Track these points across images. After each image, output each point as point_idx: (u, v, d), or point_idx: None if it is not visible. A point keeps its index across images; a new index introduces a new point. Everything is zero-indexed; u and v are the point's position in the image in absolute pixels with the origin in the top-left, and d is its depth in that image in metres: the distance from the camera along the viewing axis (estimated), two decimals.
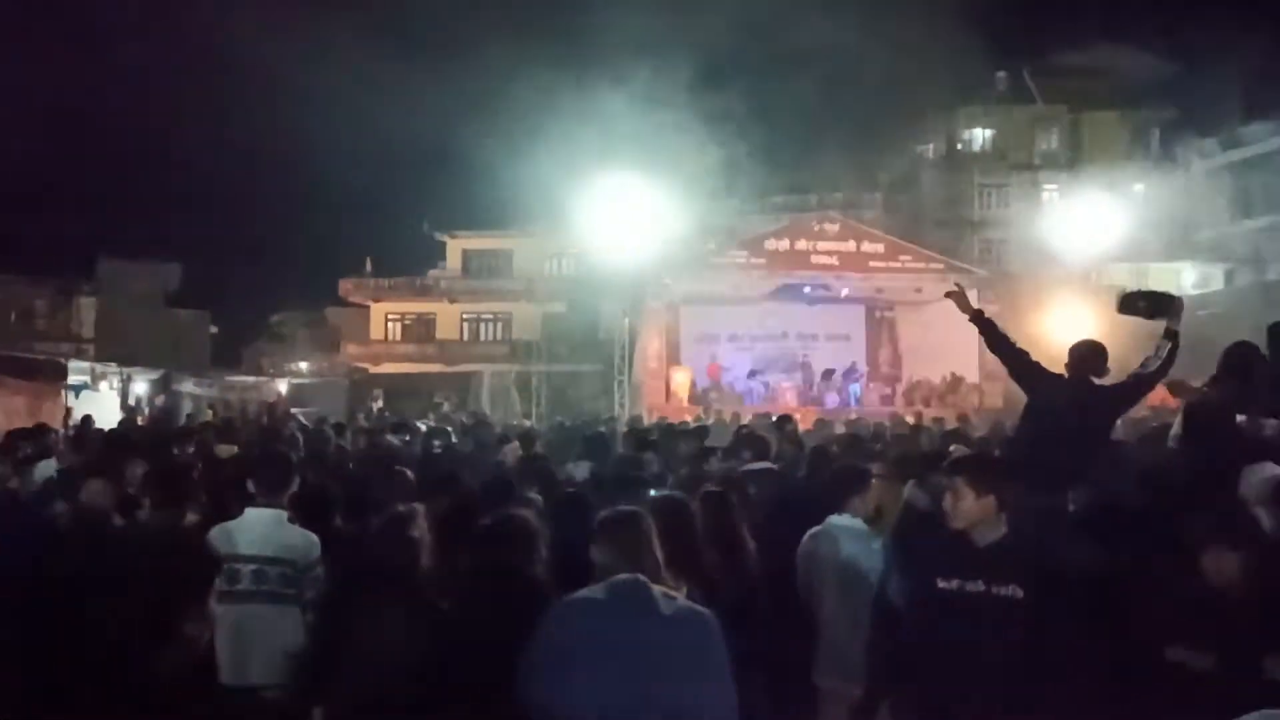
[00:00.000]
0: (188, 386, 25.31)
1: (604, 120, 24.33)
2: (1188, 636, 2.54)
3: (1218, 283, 32.66)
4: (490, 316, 36.39)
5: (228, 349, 39.11)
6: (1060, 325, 14.63)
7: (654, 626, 0.83)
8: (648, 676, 0.78)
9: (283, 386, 31.47)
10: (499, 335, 35.83)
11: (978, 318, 5.33)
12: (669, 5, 24.78)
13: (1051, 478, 4.14)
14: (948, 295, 5.65)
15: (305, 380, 34.52)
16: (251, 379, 32.09)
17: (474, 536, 2.78)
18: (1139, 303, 5.16)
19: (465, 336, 36.22)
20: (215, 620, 3.51)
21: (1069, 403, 4.81)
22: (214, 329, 39.14)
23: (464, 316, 36.47)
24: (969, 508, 2.99)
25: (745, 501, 5.06)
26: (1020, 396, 5.51)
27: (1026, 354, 5.19)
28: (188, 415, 18.13)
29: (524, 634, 1.98)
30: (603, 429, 8.87)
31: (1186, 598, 2.69)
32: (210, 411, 11.92)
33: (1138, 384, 4.94)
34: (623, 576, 0.90)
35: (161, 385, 23.28)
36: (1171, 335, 4.95)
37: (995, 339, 5.22)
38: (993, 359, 5.52)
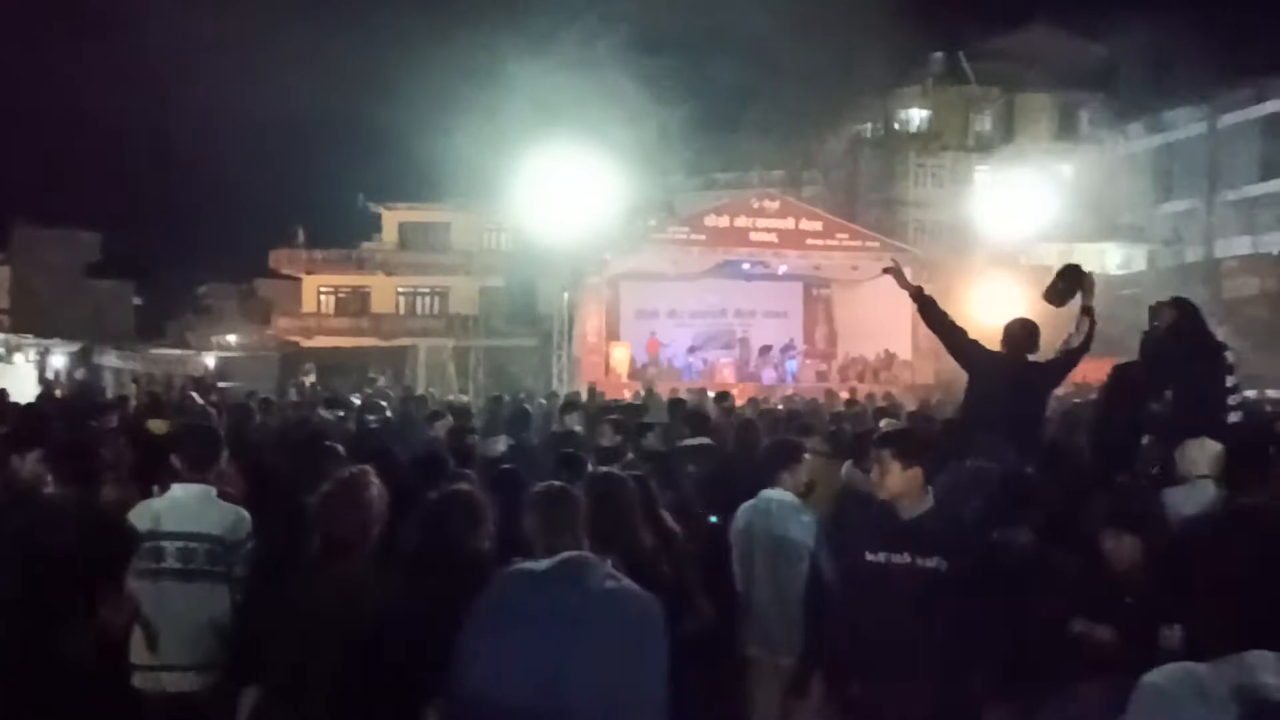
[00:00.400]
0: (109, 360, 24.47)
1: (544, 94, 24.03)
2: (1089, 610, 2.66)
3: (1140, 263, 33.82)
4: (427, 290, 35.85)
5: (152, 321, 37.86)
6: (990, 303, 14.97)
7: (591, 603, 0.82)
8: (577, 652, 0.77)
9: (210, 360, 30.66)
10: (435, 309, 35.34)
11: (918, 294, 5.44)
12: None
13: (997, 453, 4.24)
14: (885, 271, 5.77)
15: (234, 354, 33.65)
16: (177, 352, 31.18)
17: (420, 512, 2.73)
18: (1058, 285, 5.32)
19: (401, 310, 35.65)
20: (138, 600, 3.42)
21: (1008, 380, 4.96)
22: (137, 300, 37.85)
23: (400, 290, 35.86)
24: (895, 480, 3.05)
25: (682, 476, 5.12)
26: (951, 373, 5.67)
27: (964, 332, 5.32)
28: (110, 389, 17.52)
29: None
30: (525, 404, 8.77)
31: (1088, 574, 2.81)
32: (134, 385, 11.52)
33: (1066, 360, 5.11)
34: (570, 553, 0.89)
35: (81, 358, 22.46)
36: (1088, 311, 5.15)
37: (934, 316, 5.34)
38: (926, 336, 5.69)
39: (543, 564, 0.90)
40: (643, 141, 27.75)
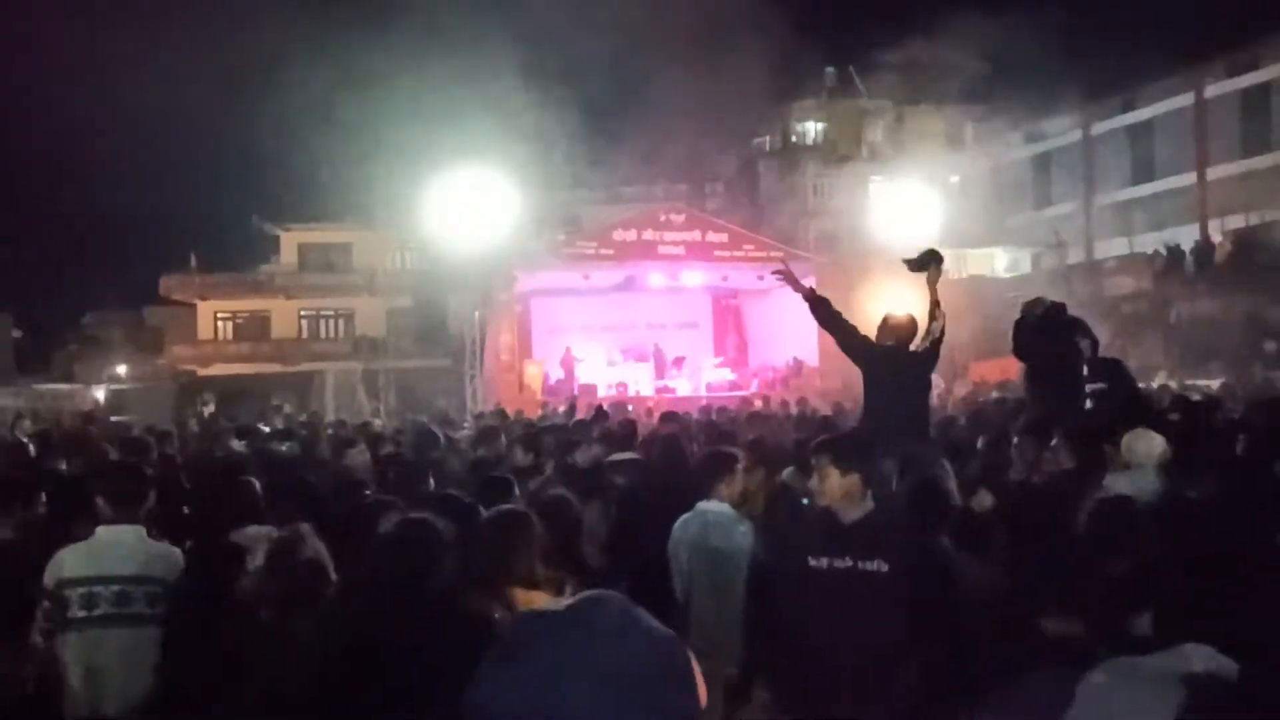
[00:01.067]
0: None
1: (443, 110, 23.79)
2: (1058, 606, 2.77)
3: (1026, 266, 35.48)
4: (330, 313, 34.96)
5: (34, 354, 35.79)
6: (888, 307, 15.51)
7: (615, 645, 0.82)
8: (602, 701, 0.77)
9: (100, 393, 29.12)
10: (341, 332, 34.47)
11: (810, 295, 5.65)
12: None
13: (898, 440, 4.54)
14: (775, 273, 5.99)
15: (125, 386, 32.04)
16: (64, 386, 29.53)
17: (376, 546, 2.66)
18: (918, 258, 5.84)
19: (304, 334, 34.65)
20: (61, 651, 3.25)
21: (897, 371, 5.28)
22: (17, 333, 35.74)
23: (302, 313, 34.86)
24: (834, 486, 3.12)
25: (611, 490, 5.16)
26: (859, 378, 5.90)
27: (854, 328, 5.60)
28: None
29: (437, 652, 1.89)
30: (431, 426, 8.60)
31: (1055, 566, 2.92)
32: (25, 422, 10.87)
33: (933, 349, 5.45)
34: (590, 591, 0.89)
35: None
36: (937, 304, 5.54)
37: (825, 314, 5.61)
38: (832, 343, 5.89)
39: (561, 604, 0.91)
40: (545, 156, 27.76)
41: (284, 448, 7.97)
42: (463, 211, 18.77)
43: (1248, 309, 22.53)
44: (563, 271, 20.22)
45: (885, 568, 2.95)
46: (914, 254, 5.95)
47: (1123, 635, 1.99)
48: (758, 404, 15.70)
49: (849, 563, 3.00)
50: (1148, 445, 4.05)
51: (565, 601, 0.94)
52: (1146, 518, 2.86)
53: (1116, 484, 3.84)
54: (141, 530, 3.51)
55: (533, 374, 20.33)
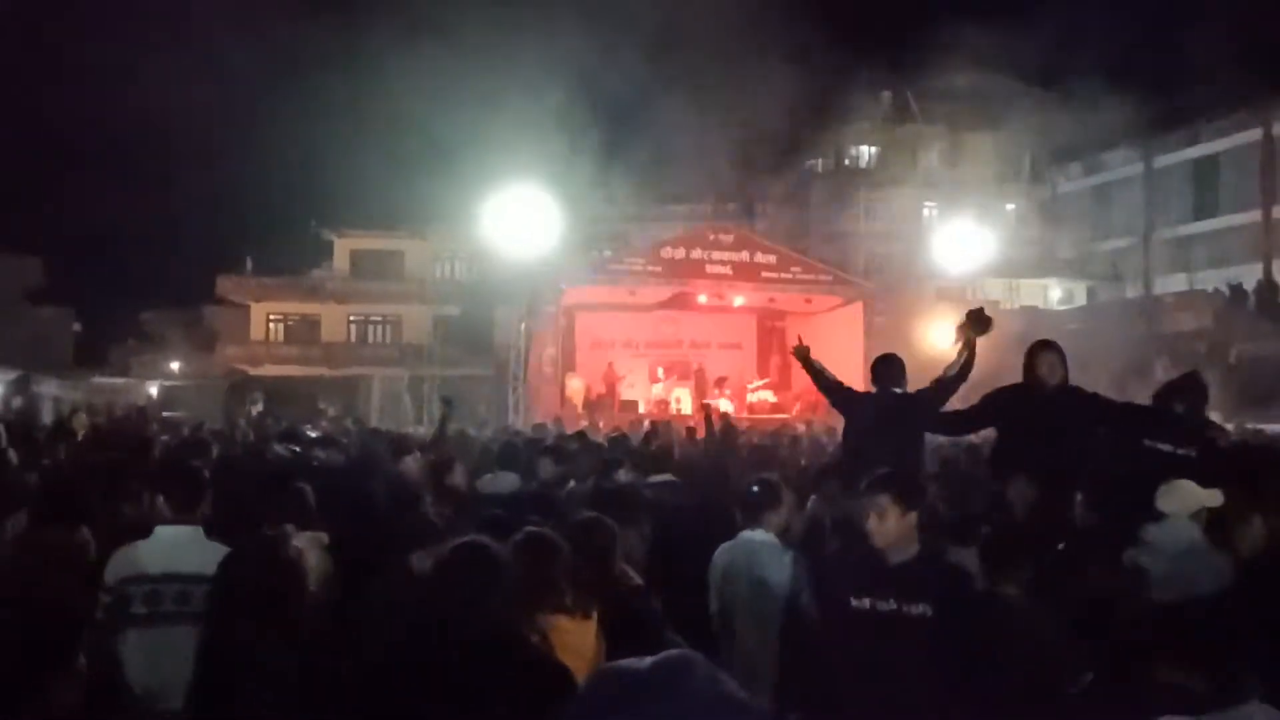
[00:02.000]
0: (49, 388, 23.71)
1: (499, 124, 24.07)
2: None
3: (1081, 298, 34.81)
4: (379, 319, 35.42)
5: (94, 349, 36.79)
6: (939, 336, 15.30)
7: (695, 712, 0.78)
8: None
9: (153, 389, 29.86)
10: (388, 338, 34.92)
11: (802, 355, 5.68)
12: (571, 10, 24.75)
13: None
14: (793, 351, 5.91)
15: (178, 382, 32.81)
16: (120, 380, 30.31)
17: (428, 573, 2.59)
18: (981, 322, 5.47)
19: (353, 339, 35.14)
20: (120, 649, 3.29)
21: (876, 415, 5.19)
22: (78, 327, 36.77)
23: (351, 318, 35.38)
24: (893, 526, 3.03)
25: (647, 514, 5.10)
26: None
27: (838, 382, 5.58)
28: (48, 418, 16.93)
29: (487, 678, 1.83)
30: (516, 440, 8.63)
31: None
32: (81, 415, 11.14)
33: (937, 389, 5.30)
34: (673, 651, 0.85)
35: (18, 386, 21.73)
36: (969, 345, 5.33)
37: (813, 371, 5.62)
38: None
39: (644, 663, 0.86)
40: (596, 172, 27.94)
41: (323, 454, 8.00)
42: (512, 224, 18.92)
43: None
44: (609, 286, 20.26)
45: (930, 612, 2.87)
46: (979, 312, 5.57)
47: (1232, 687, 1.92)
48: (800, 428, 15.54)
49: (893, 605, 2.92)
50: (1187, 495, 3.86)
51: (647, 661, 0.89)
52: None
53: (1158, 536, 3.70)
54: (200, 531, 3.56)
55: (575, 388, 20.37)
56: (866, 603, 2.96)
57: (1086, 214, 38.09)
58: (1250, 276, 28.87)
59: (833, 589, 3.10)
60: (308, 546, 3.72)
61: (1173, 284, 31.74)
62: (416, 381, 26.73)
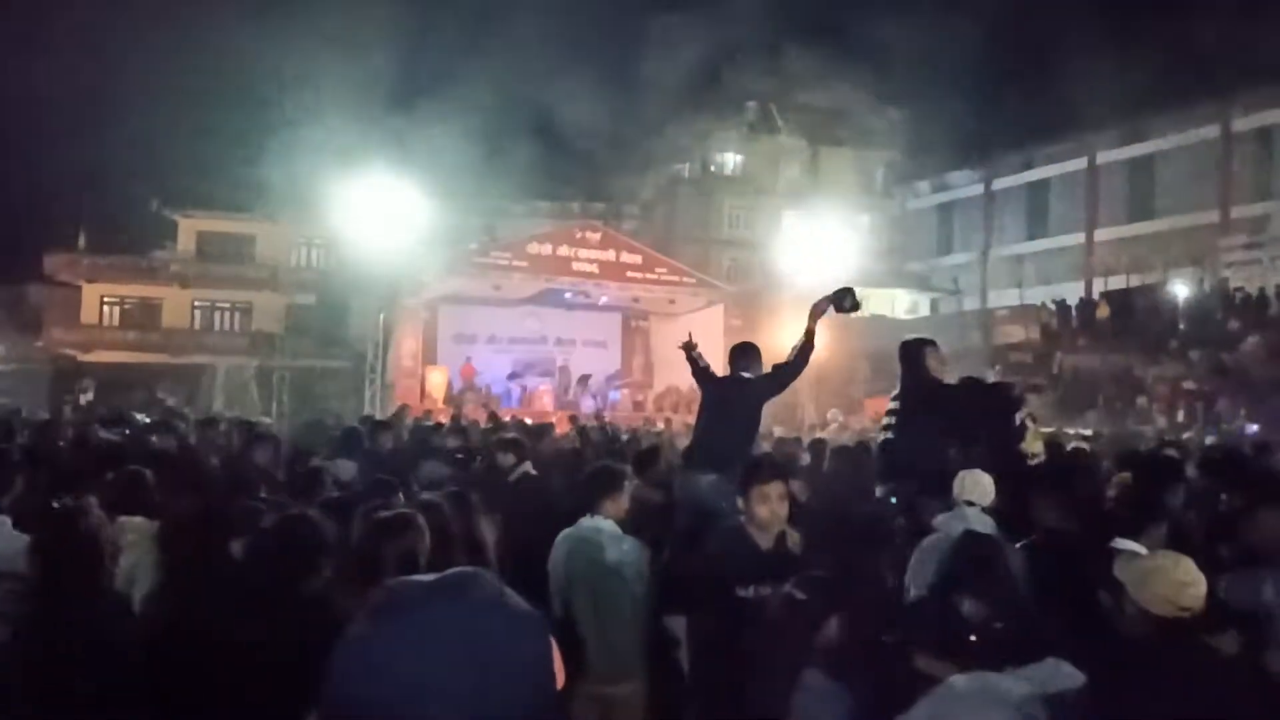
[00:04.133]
0: None
1: (363, 109, 23.36)
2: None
3: (925, 309, 36.90)
4: (227, 305, 33.62)
5: None
6: (792, 338, 15.89)
7: (478, 616, 0.83)
8: (463, 667, 0.78)
9: None
10: (237, 326, 33.22)
11: (688, 349, 5.83)
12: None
13: (719, 458, 4.77)
14: (682, 347, 5.97)
15: None
16: None
17: (248, 545, 2.54)
18: (847, 302, 5.67)
19: (197, 325, 33.23)
20: None
21: (721, 396, 5.45)
22: None
23: (196, 304, 33.44)
24: (777, 511, 3.18)
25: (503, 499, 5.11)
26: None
27: (706, 368, 5.75)
28: None
29: (294, 650, 1.79)
30: (357, 424, 8.41)
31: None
32: None
33: (774, 375, 5.55)
34: (461, 568, 0.90)
35: None
36: (809, 334, 5.59)
37: (693, 365, 5.78)
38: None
39: (430, 576, 0.91)
40: (465, 164, 27.52)
41: (155, 439, 7.59)
42: (374, 212, 18.41)
43: (1124, 365, 23.92)
44: (473, 280, 20.01)
45: (800, 594, 2.96)
46: (849, 291, 5.72)
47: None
48: (659, 425, 15.82)
49: (769, 590, 3.01)
50: (980, 484, 4.08)
51: (432, 575, 0.94)
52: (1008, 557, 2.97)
53: (949, 524, 3.98)
54: (7, 521, 3.30)
55: (436, 381, 20.03)
56: (750, 590, 3.04)
57: (933, 230, 40.46)
58: (1074, 293, 31.35)
59: (715, 577, 3.14)
60: (135, 532, 3.54)
61: (1007, 298, 34.07)
62: (265, 371, 25.55)
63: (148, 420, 10.05)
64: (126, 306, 33.10)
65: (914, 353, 5.48)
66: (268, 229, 33.30)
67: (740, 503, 3.40)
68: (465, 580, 0.91)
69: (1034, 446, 5.34)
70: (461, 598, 0.88)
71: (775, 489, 3.30)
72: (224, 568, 2.57)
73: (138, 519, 3.65)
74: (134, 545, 3.39)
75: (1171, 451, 7.50)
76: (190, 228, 34.00)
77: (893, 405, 5.55)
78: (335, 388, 23.76)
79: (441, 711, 0.83)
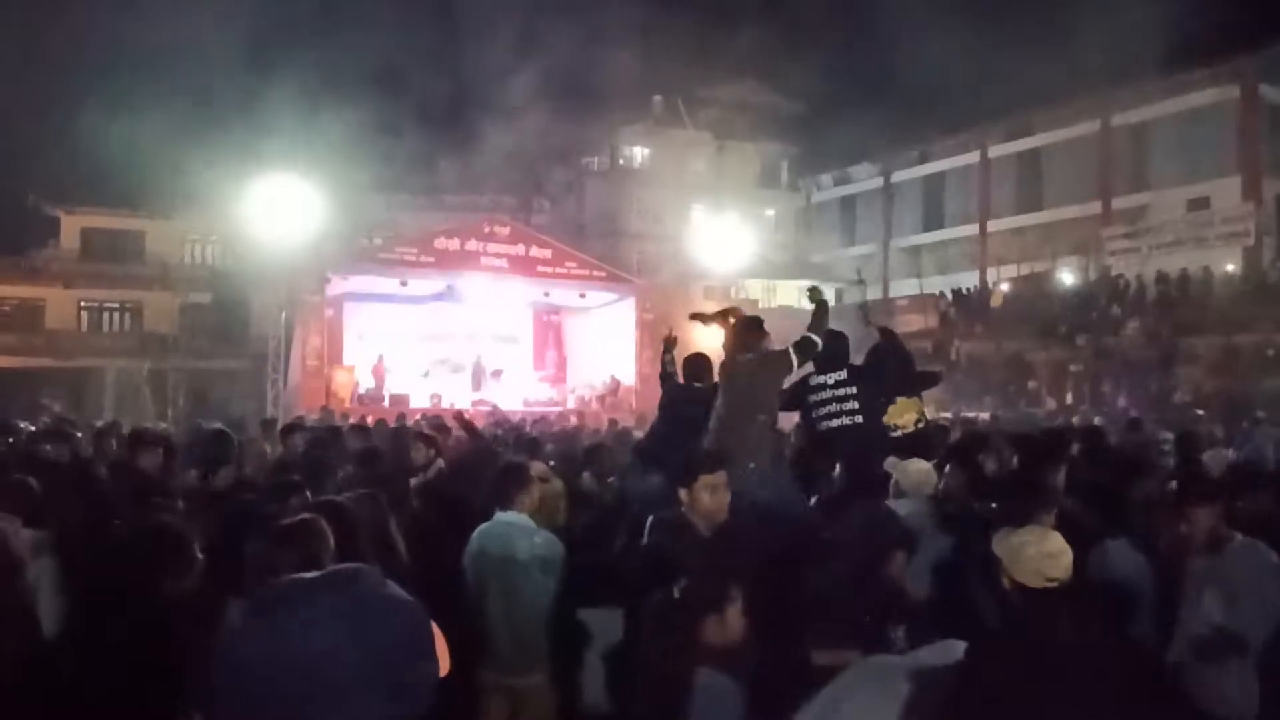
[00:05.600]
0: None
1: (256, 101, 22.60)
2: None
3: (830, 299, 37.75)
4: (115, 305, 32.06)
5: None
6: (705, 332, 16.13)
7: (361, 608, 0.86)
8: (345, 656, 0.80)
9: None
10: (127, 327, 31.72)
11: (669, 344, 6.12)
12: None
13: (663, 459, 4.75)
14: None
15: None
16: None
17: (100, 551, 2.45)
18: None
19: (84, 327, 31.60)
20: None
21: (675, 401, 5.64)
22: None
23: (82, 304, 31.79)
24: (721, 501, 3.29)
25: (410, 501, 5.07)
26: None
27: (670, 374, 5.97)
28: None
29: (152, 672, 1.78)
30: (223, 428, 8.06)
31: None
32: None
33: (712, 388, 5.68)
34: (348, 565, 0.92)
35: None
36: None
37: (662, 370, 6.07)
38: (649, 362, 6.20)
39: (312, 573, 0.93)
40: (368, 159, 26.90)
41: (49, 448, 7.24)
42: (272, 208, 17.86)
43: (1015, 350, 25.04)
44: (379, 276, 19.61)
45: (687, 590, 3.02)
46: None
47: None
48: (573, 420, 15.84)
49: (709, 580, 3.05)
50: (919, 472, 4.24)
51: (315, 572, 0.96)
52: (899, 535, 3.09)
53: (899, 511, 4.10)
54: None
55: (342, 381, 19.56)
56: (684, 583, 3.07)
57: (836, 222, 41.49)
58: (969, 282, 32.62)
59: (662, 569, 3.15)
60: (30, 545, 3.39)
61: (906, 288, 35.24)
62: (160, 374, 24.51)
63: (33, 429, 9.54)
64: (6, 308, 31.25)
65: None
66: (158, 225, 31.91)
67: (683, 495, 3.46)
68: (346, 575, 0.93)
69: (903, 419, 5.53)
70: (343, 591, 0.91)
71: (719, 478, 3.40)
72: (106, 579, 2.49)
73: (26, 531, 3.52)
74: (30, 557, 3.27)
75: (1056, 429, 7.91)
76: (73, 225, 32.29)
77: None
78: (235, 390, 22.96)
79: (325, 700, 0.86)
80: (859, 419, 5.25)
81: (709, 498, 3.37)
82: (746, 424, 4.47)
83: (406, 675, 0.90)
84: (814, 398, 5.33)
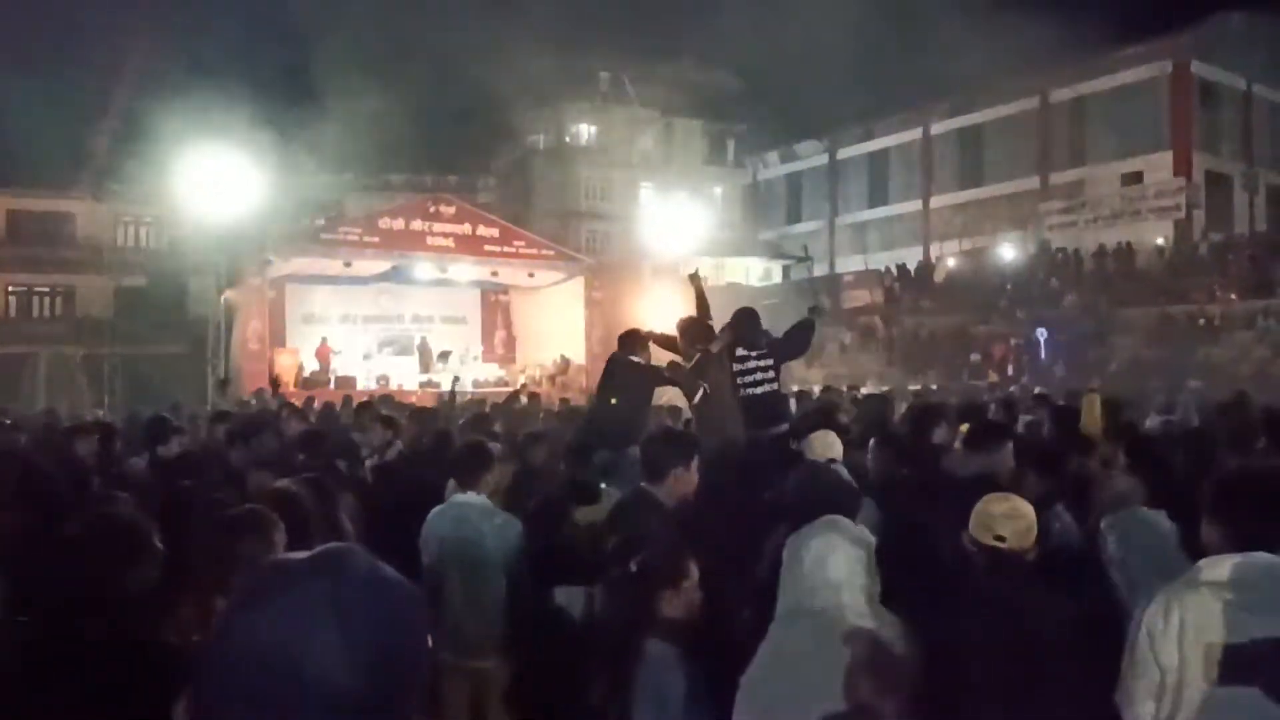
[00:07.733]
0: None
1: (191, 78, 21.89)
2: None
3: (777, 276, 38.09)
4: (46, 289, 30.97)
5: None
6: (654, 309, 16.14)
7: (352, 588, 0.84)
8: (337, 638, 0.78)
9: None
10: (58, 312, 30.68)
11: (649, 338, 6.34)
12: None
13: (613, 436, 5.30)
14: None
15: None
16: None
17: (54, 547, 2.36)
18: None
19: (13, 312, 30.49)
20: None
21: (608, 376, 6.08)
22: None
23: (11, 289, 30.66)
24: (691, 480, 3.36)
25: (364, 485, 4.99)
26: None
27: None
28: None
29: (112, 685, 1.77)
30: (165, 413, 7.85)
31: None
32: None
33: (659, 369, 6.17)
34: (335, 545, 0.89)
35: None
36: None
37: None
38: (599, 341, 6.34)
39: (303, 554, 0.90)
40: (310, 138, 26.31)
41: None
42: (210, 188, 17.35)
43: (959, 324, 25.53)
44: (322, 258, 19.21)
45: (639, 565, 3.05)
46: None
47: None
48: (524, 400, 15.74)
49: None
50: (824, 444, 4.23)
51: (304, 553, 0.93)
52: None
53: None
54: None
55: (285, 364, 19.18)
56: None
57: (782, 199, 41.75)
58: (913, 258, 33.13)
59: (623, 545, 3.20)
60: None
61: (852, 264, 35.67)
62: (95, 360, 23.78)
63: None
64: None
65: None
66: (89, 208, 30.82)
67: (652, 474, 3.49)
68: (339, 555, 0.90)
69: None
70: (336, 573, 0.88)
71: (691, 471, 3.48)
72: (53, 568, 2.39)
73: None
74: None
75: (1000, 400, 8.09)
76: None
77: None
78: (173, 374, 22.36)
79: (321, 685, 0.83)
80: (775, 386, 5.97)
81: (677, 485, 3.41)
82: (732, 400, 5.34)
83: (400, 659, 0.88)
84: (738, 367, 5.92)
